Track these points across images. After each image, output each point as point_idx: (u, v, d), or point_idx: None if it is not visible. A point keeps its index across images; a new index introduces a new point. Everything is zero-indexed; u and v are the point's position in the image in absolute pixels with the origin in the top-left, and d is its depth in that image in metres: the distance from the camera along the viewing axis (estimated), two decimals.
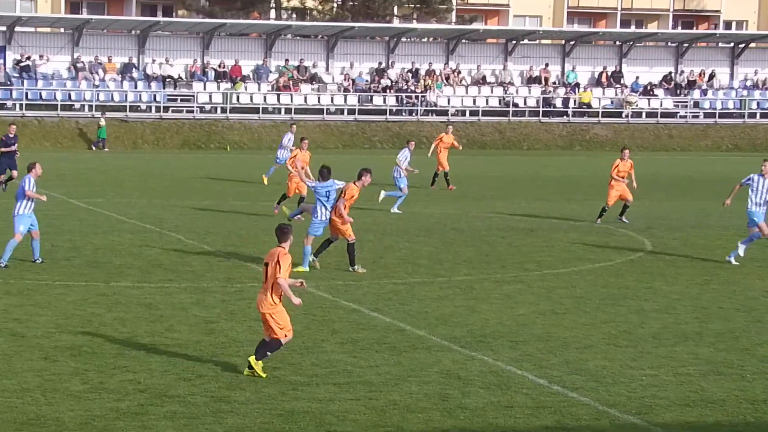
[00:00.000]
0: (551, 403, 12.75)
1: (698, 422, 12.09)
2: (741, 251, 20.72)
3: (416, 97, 55.87)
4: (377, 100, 56.11)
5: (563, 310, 17.66)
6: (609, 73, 59.34)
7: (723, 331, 16.28)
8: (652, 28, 77.56)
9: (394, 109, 55.78)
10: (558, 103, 57.73)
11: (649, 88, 59.58)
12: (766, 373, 13.78)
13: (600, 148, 53.03)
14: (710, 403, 12.68)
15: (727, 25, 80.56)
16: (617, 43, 62.47)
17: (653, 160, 48.83)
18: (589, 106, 57.35)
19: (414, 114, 55.59)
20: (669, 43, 63.28)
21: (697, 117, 58.85)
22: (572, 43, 60.19)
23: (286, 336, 13.84)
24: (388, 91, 56.17)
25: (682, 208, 32.16)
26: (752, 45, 62.79)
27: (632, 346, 15.38)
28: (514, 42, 59.27)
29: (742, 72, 61.17)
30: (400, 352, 14.46)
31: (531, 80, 58.47)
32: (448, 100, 57.05)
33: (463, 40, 58.89)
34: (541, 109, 56.17)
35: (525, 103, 57.79)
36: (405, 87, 56.79)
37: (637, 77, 59.02)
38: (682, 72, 60.29)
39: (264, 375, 13.43)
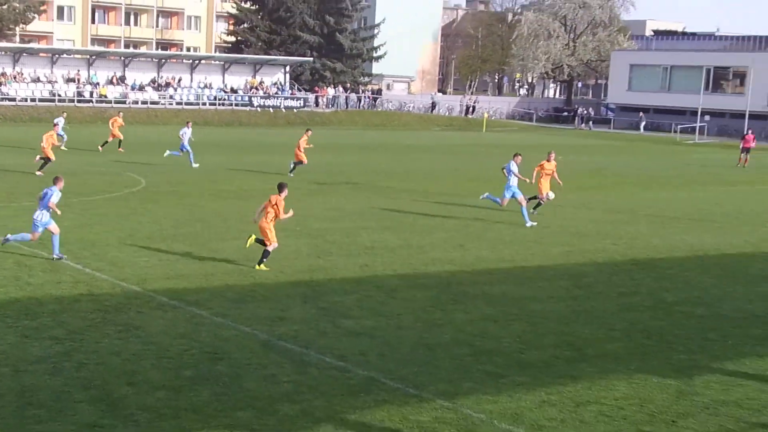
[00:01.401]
0: (84, 279, 19.81)
1: (182, 288, 19.15)
2: None
3: None
4: None
5: (91, 222, 26.43)
6: (118, 77, 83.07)
7: (191, 234, 25.44)
8: (143, 48, 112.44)
9: None
10: (86, 94, 79.93)
11: (141, 86, 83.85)
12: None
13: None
14: (182, 275, 20.37)
15: (188, 48, 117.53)
16: (122, 57, 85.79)
17: (152, 130, 59.09)
18: (106, 96, 79.89)
19: None
20: (153, 59, 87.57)
21: (172, 105, 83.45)
22: (94, 57, 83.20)
23: (270, 244, 21.74)
24: None
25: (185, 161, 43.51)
26: (203, 62, 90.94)
27: (138, 244, 23.61)
28: (57, 56, 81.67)
29: (197, 78, 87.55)
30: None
31: (69, 80, 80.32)
32: (16, 92, 77.23)
33: (24, 54, 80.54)
34: (75, 98, 78.72)
35: (66, 94, 79.40)
36: None
37: (134, 80, 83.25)
38: (162, 77, 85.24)
39: (267, 269, 21.30)
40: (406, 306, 18.57)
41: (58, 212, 22.39)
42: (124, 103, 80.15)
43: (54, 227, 22.13)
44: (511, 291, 20.36)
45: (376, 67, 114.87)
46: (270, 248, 22.05)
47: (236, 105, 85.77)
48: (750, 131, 67.87)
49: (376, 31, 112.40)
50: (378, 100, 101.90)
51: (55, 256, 21.77)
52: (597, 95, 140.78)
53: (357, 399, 13.20)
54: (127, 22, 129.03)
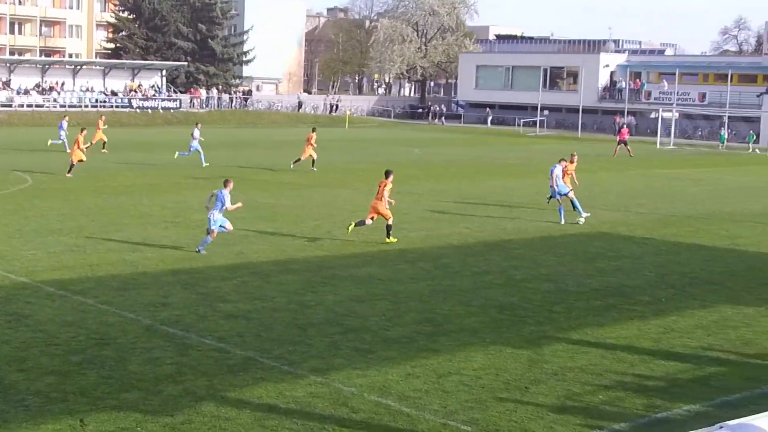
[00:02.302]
0: None
1: (68, 279, 18.54)
2: None
3: None
4: None
5: None
6: (3, 81, 79.78)
7: (76, 227, 24.92)
8: (28, 55, 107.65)
9: None
10: None
11: (26, 91, 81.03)
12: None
13: None
14: (68, 267, 19.80)
15: (70, 55, 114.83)
16: (7, 64, 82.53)
17: (38, 132, 64.16)
18: None
19: None
20: (37, 65, 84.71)
21: (56, 107, 79.79)
22: None
23: (389, 219, 24.11)
24: None
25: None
26: (84, 67, 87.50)
27: (25, 238, 22.85)
28: None
29: (79, 82, 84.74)
30: None
31: None
32: None
33: None
34: None
35: None
36: None
37: (20, 84, 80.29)
38: (46, 81, 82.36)
39: (396, 240, 23.82)
40: (280, 289, 18.33)
41: (237, 206, 22.67)
42: (10, 106, 77.32)
43: (229, 225, 22.70)
44: (376, 273, 20.30)
45: (246, 70, 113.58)
46: (390, 222, 24.45)
47: (117, 107, 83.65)
48: (624, 125, 70.23)
49: (245, 37, 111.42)
50: (248, 100, 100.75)
51: (199, 249, 22.14)
52: (448, 93, 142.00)
53: (236, 377, 12.92)
54: (12, 31, 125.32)
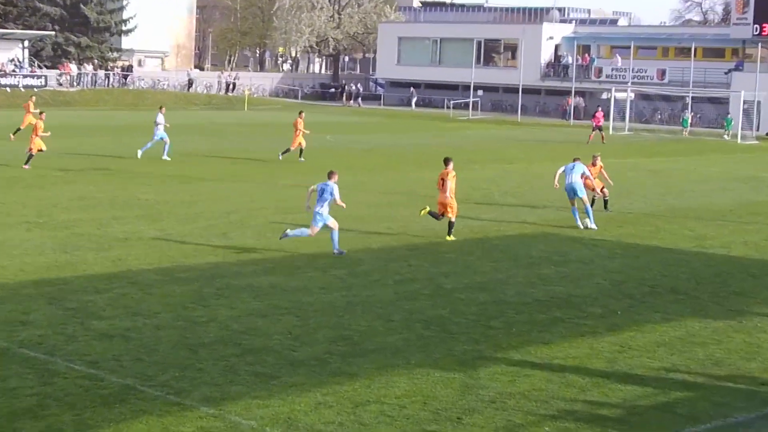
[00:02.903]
0: None
1: None
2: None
3: None
4: None
5: None
6: None
7: None
8: None
9: None
10: None
11: None
12: None
13: None
14: None
15: None
16: None
17: None
18: None
19: None
20: None
21: None
22: None
23: (455, 216, 25.81)
24: None
25: None
26: None
27: None
28: None
29: None
30: None
31: None
32: None
33: None
34: None
35: None
36: None
37: None
38: None
39: (455, 238, 25.57)
40: (165, 303, 18.09)
41: (343, 205, 24.11)
42: None
43: (333, 222, 23.63)
44: (280, 282, 20.16)
45: (126, 42, 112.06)
46: (454, 220, 26.07)
47: None
48: (599, 108, 71.03)
49: (125, 2, 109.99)
50: (129, 77, 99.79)
51: (335, 251, 23.26)
52: (365, 70, 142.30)
53: (111, 410, 12.65)
54: None
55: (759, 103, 77.38)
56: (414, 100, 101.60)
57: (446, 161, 26.27)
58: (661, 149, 61.50)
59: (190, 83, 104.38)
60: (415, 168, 43.53)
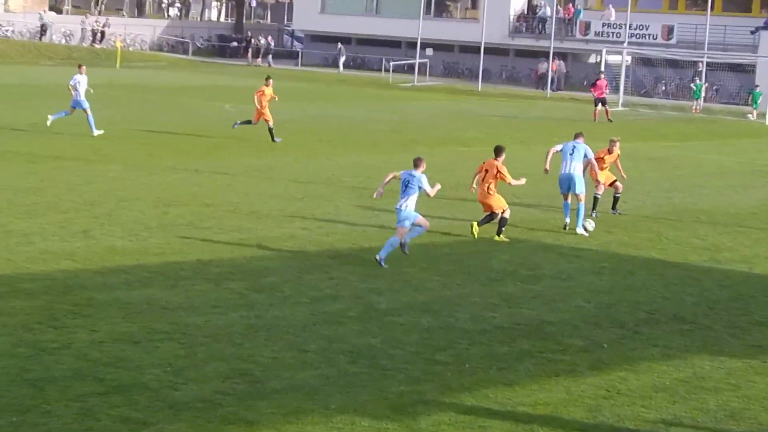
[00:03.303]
0: None
1: None
2: None
3: None
4: None
5: None
6: None
7: None
8: None
9: None
10: None
11: None
12: None
13: None
14: None
15: None
16: None
17: None
18: None
19: None
20: None
21: None
22: None
23: (504, 211, 27.82)
24: None
25: None
26: None
27: None
28: None
29: None
30: None
31: None
32: None
33: None
34: None
35: None
36: None
37: None
38: None
39: (509, 239, 27.63)
40: (1, 324, 17.98)
41: (433, 192, 25.03)
42: None
43: (422, 219, 25.12)
44: (158, 297, 20.13)
45: None
46: (506, 215, 27.97)
47: None
48: (601, 75, 71.00)
49: None
50: None
51: (405, 250, 24.72)
52: (279, 19, 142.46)
53: None
54: None
55: None
56: (342, 59, 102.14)
57: (498, 151, 28.48)
58: (665, 131, 62.05)
59: (44, 30, 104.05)
60: (340, 150, 43.80)
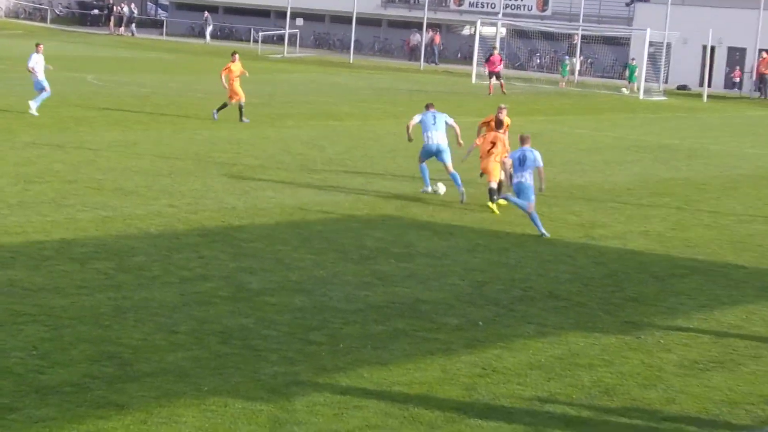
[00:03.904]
0: None
1: None
2: None
3: None
4: None
5: None
6: None
7: None
8: None
9: None
10: None
11: None
12: None
13: None
14: None
15: None
16: None
17: None
18: None
19: None
20: None
21: None
22: None
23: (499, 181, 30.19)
24: None
25: None
26: None
27: None
28: None
29: None
30: None
31: None
32: None
33: None
34: None
35: None
36: None
37: None
38: None
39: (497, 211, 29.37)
40: None
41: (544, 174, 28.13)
42: None
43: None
44: (21, 278, 20.01)
45: None
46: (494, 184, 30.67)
47: None
48: (495, 51, 72.54)
49: None
50: None
51: (544, 232, 26.93)
52: None
53: None
54: None
55: (669, 45, 79.79)
56: (209, 29, 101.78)
57: (499, 124, 31.01)
58: (539, 106, 62.68)
59: None
60: (207, 124, 43.71)
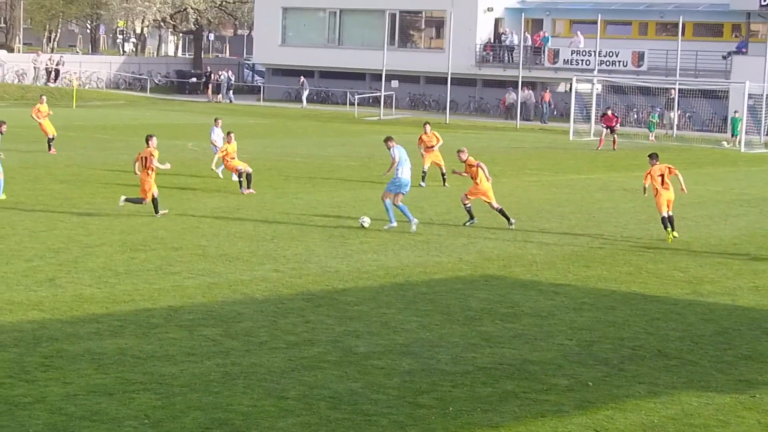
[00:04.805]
0: None
1: None
2: None
3: None
4: None
5: None
6: None
7: None
8: None
9: None
10: None
11: None
12: None
13: None
14: None
15: None
16: None
17: None
18: None
19: None
20: None
21: None
22: None
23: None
24: None
25: None
26: None
27: None
28: None
29: None
30: None
31: None
32: None
33: None
34: None
35: None
36: None
37: None
38: None
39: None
40: None
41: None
42: None
43: None
44: (131, 346, 20.17)
45: None
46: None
47: None
48: (609, 111, 72.89)
49: None
50: None
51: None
52: (238, 52, 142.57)
53: None
54: None
55: None
56: (305, 93, 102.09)
57: (653, 157, 34.65)
58: (639, 161, 61.78)
59: None
60: (308, 187, 43.86)
